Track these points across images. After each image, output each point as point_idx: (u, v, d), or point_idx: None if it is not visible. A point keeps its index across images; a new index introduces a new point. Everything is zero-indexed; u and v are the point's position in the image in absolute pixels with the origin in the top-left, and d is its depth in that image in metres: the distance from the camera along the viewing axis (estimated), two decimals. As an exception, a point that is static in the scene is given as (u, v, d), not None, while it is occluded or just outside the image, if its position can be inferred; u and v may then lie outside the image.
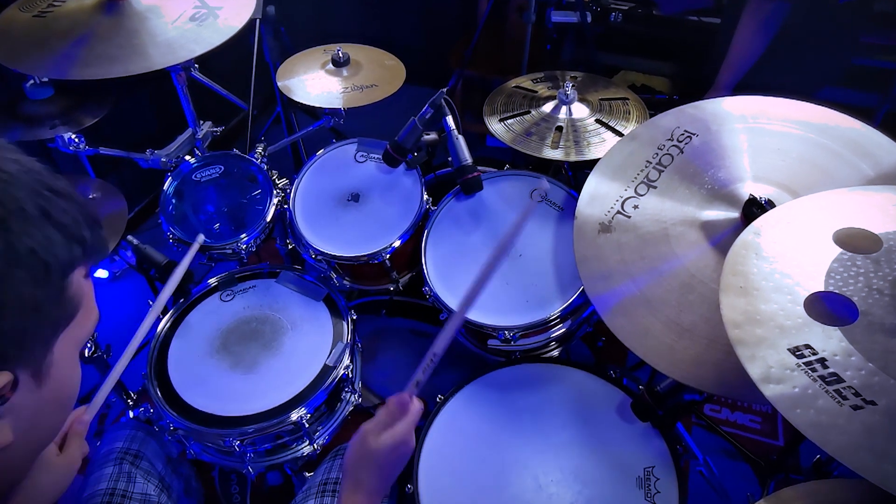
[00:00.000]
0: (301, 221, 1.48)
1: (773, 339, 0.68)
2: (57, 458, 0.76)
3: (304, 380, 1.25)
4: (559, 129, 1.47)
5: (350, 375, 1.33)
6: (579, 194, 1.20)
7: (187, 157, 1.58)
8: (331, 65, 1.70)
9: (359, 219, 1.48)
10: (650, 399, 1.09)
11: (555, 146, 1.43)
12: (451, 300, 1.32)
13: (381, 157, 1.46)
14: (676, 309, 0.98)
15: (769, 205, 0.98)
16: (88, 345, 1.36)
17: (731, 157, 1.13)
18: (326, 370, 1.27)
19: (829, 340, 0.66)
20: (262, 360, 1.30)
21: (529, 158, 1.48)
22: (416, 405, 0.89)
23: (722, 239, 1.03)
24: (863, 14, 1.76)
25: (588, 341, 1.76)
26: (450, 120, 1.39)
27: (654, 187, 1.15)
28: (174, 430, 1.21)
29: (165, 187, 1.51)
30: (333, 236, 1.45)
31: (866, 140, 1.05)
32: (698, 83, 1.89)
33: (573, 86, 1.52)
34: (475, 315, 1.27)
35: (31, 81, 1.60)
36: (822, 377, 0.64)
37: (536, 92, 1.61)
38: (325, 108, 1.67)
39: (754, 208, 1.00)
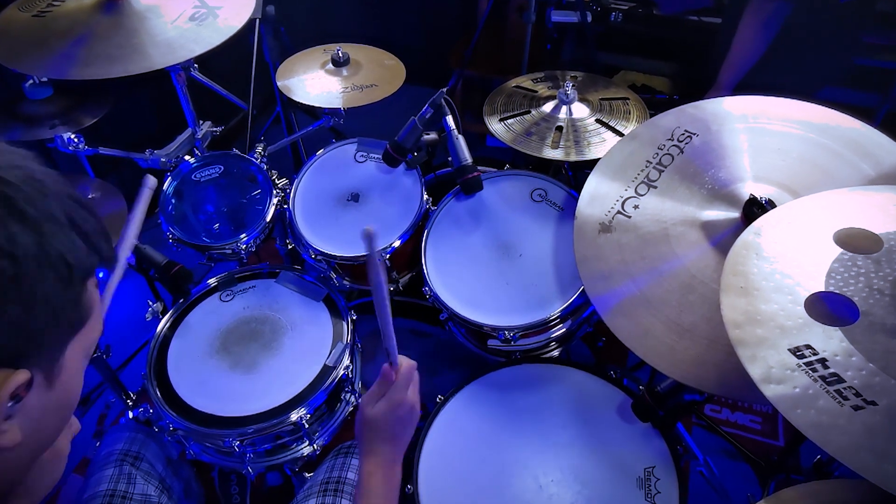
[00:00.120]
0: (301, 221, 1.48)
1: (774, 340, 0.68)
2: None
3: (303, 380, 1.25)
4: (559, 128, 1.47)
5: (350, 376, 1.33)
6: (579, 194, 1.20)
7: (187, 157, 1.58)
8: (330, 64, 1.70)
9: (359, 219, 1.48)
10: (650, 399, 1.09)
11: (555, 146, 1.43)
12: (452, 300, 1.32)
13: (380, 156, 1.46)
14: (677, 309, 0.98)
15: (770, 205, 0.98)
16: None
17: (732, 156, 1.12)
18: (326, 370, 1.27)
19: (829, 341, 0.66)
20: (261, 360, 1.30)
21: (529, 158, 1.48)
22: (405, 365, 0.93)
23: (722, 239, 1.03)
24: (864, 14, 1.76)
25: (588, 341, 1.76)
26: (450, 120, 1.39)
27: (655, 187, 1.15)
28: (174, 431, 1.21)
29: (165, 187, 1.51)
30: (333, 236, 1.45)
31: (867, 140, 1.05)
32: (698, 83, 1.89)
33: (573, 85, 1.52)
34: (476, 315, 1.27)
35: (31, 81, 1.59)
36: (822, 377, 0.63)
37: (536, 92, 1.61)
38: (325, 108, 1.67)
39: (755, 208, 0.99)
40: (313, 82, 1.67)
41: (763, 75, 1.70)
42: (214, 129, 1.70)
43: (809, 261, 0.74)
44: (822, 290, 0.70)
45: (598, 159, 1.24)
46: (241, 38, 1.41)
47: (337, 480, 1.11)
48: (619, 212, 1.14)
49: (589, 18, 2.01)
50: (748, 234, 0.82)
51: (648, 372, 1.59)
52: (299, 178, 1.54)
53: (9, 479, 0.54)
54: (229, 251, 1.47)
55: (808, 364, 0.65)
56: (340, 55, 1.68)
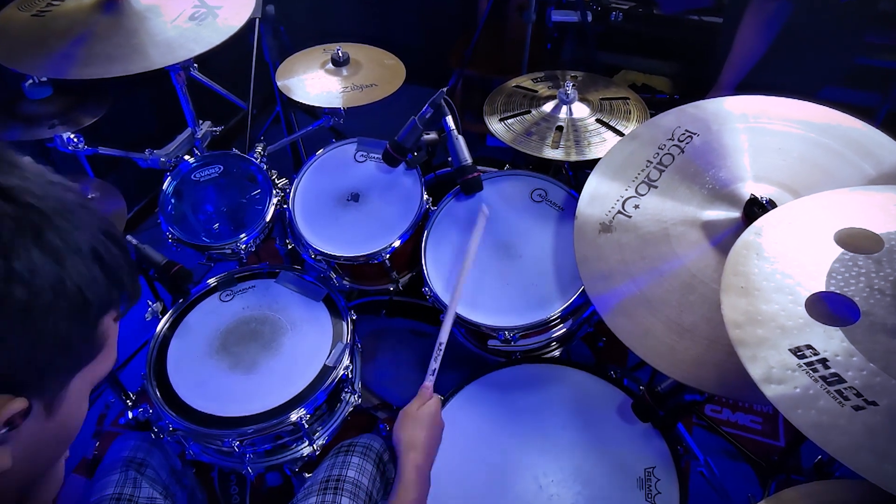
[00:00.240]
0: (300, 221, 1.48)
1: (775, 340, 0.68)
2: None
3: (303, 380, 1.25)
4: (559, 128, 1.47)
5: (350, 376, 1.33)
6: (580, 194, 1.20)
7: (186, 157, 1.58)
8: (330, 64, 1.69)
9: (358, 219, 1.48)
10: (651, 399, 1.09)
11: (555, 146, 1.43)
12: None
13: (380, 156, 1.46)
14: (677, 309, 0.98)
15: (770, 205, 0.98)
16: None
17: (733, 156, 1.12)
18: (326, 370, 1.26)
19: (830, 341, 0.66)
20: (261, 360, 1.29)
21: (530, 158, 1.48)
22: (436, 397, 1.14)
23: (723, 239, 1.03)
24: (866, 13, 1.75)
25: (589, 342, 1.75)
26: (450, 119, 1.39)
27: (655, 187, 1.14)
28: (173, 431, 1.21)
29: (164, 187, 1.51)
30: (333, 236, 1.45)
31: (868, 140, 1.05)
32: (699, 82, 1.88)
33: (574, 85, 1.52)
34: (476, 315, 1.27)
35: (30, 81, 1.59)
36: (823, 377, 0.63)
37: (537, 91, 1.61)
38: (325, 108, 1.67)
39: (755, 208, 0.99)
40: (313, 82, 1.67)
41: (764, 75, 1.70)
42: (214, 128, 1.70)
43: (810, 261, 0.73)
44: (823, 290, 0.70)
45: (599, 159, 1.24)
46: (240, 38, 1.41)
47: (337, 479, 1.11)
48: (619, 212, 1.14)
49: (589, 18, 2.01)
50: (749, 234, 0.81)
51: (649, 372, 1.59)
52: (299, 177, 1.54)
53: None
54: (229, 251, 1.47)
55: (809, 364, 0.64)
56: (340, 55, 1.68)
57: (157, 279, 1.45)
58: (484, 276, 1.33)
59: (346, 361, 1.28)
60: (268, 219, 1.49)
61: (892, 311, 0.65)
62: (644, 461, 1.10)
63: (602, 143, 1.42)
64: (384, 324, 1.82)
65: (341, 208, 1.50)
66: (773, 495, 0.79)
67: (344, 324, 1.35)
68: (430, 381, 1.14)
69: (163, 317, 1.38)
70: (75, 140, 1.57)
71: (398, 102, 1.68)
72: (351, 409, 1.37)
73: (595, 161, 1.26)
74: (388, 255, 1.40)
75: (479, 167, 1.40)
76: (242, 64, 2.00)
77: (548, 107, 1.53)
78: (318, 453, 1.30)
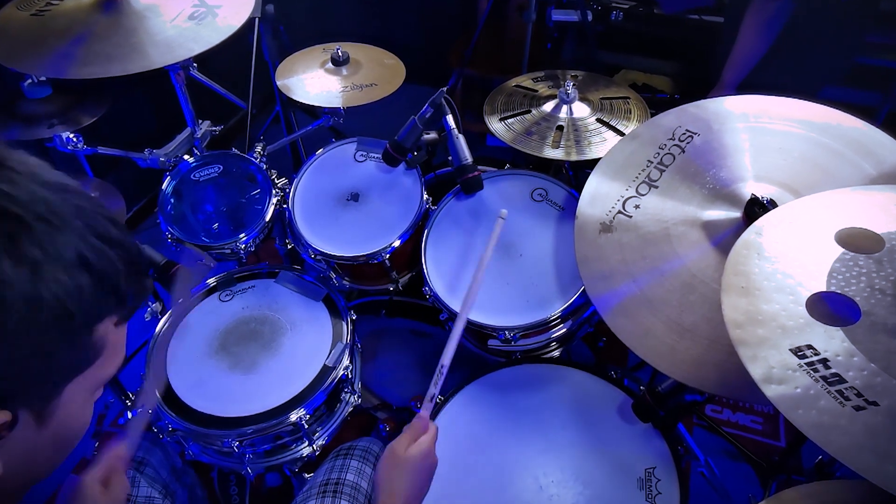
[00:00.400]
0: (300, 221, 1.47)
1: (775, 340, 0.67)
2: (102, 496, 0.80)
3: (303, 380, 1.25)
4: (560, 128, 1.47)
5: (349, 376, 1.33)
6: (580, 194, 1.20)
7: (186, 157, 1.57)
8: (330, 64, 1.69)
9: (358, 218, 1.47)
10: (651, 399, 1.09)
11: (555, 145, 1.43)
12: (452, 300, 1.31)
13: (380, 156, 1.45)
14: (678, 309, 0.98)
15: (771, 204, 0.98)
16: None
17: (733, 156, 1.12)
18: (326, 371, 1.26)
19: (831, 341, 0.65)
20: (261, 360, 1.29)
21: (530, 158, 1.47)
22: (434, 425, 0.96)
23: (723, 239, 1.03)
24: (867, 13, 1.75)
25: (589, 342, 1.75)
26: (450, 119, 1.38)
27: (656, 187, 1.14)
28: (173, 431, 1.21)
29: (164, 187, 1.51)
30: (333, 236, 1.45)
31: (868, 139, 1.05)
32: (699, 82, 1.88)
33: (574, 85, 1.51)
34: (476, 315, 1.27)
35: (29, 80, 1.59)
36: (824, 378, 0.63)
37: (537, 91, 1.61)
38: (325, 108, 1.67)
39: (756, 208, 0.99)
40: (313, 81, 1.66)
41: (765, 74, 1.70)
42: (213, 128, 1.70)
43: (811, 261, 0.73)
44: (824, 290, 0.70)
45: (599, 159, 1.24)
46: (240, 38, 1.40)
47: (336, 482, 1.11)
48: (619, 211, 1.13)
49: (590, 17, 2.01)
50: (749, 234, 0.81)
51: (649, 372, 1.59)
52: (299, 177, 1.54)
53: None
54: (228, 251, 1.47)
55: (810, 364, 0.64)
56: (340, 54, 1.67)
57: (156, 279, 1.44)
58: (484, 275, 1.33)
59: (345, 361, 1.28)
60: (267, 219, 1.49)
61: (893, 311, 0.65)
62: (644, 461, 1.10)
63: (602, 143, 1.41)
64: (384, 324, 1.82)
65: (341, 208, 1.49)
66: (773, 496, 0.79)
67: (344, 324, 1.35)
68: (426, 411, 0.96)
69: (162, 317, 1.38)
70: (74, 140, 1.57)
71: (398, 102, 1.68)
72: (351, 409, 1.37)
73: (595, 161, 1.25)
74: (387, 255, 1.40)
75: (479, 167, 1.39)
76: (242, 63, 2.00)
77: (548, 106, 1.53)
78: (317, 453, 1.30)
